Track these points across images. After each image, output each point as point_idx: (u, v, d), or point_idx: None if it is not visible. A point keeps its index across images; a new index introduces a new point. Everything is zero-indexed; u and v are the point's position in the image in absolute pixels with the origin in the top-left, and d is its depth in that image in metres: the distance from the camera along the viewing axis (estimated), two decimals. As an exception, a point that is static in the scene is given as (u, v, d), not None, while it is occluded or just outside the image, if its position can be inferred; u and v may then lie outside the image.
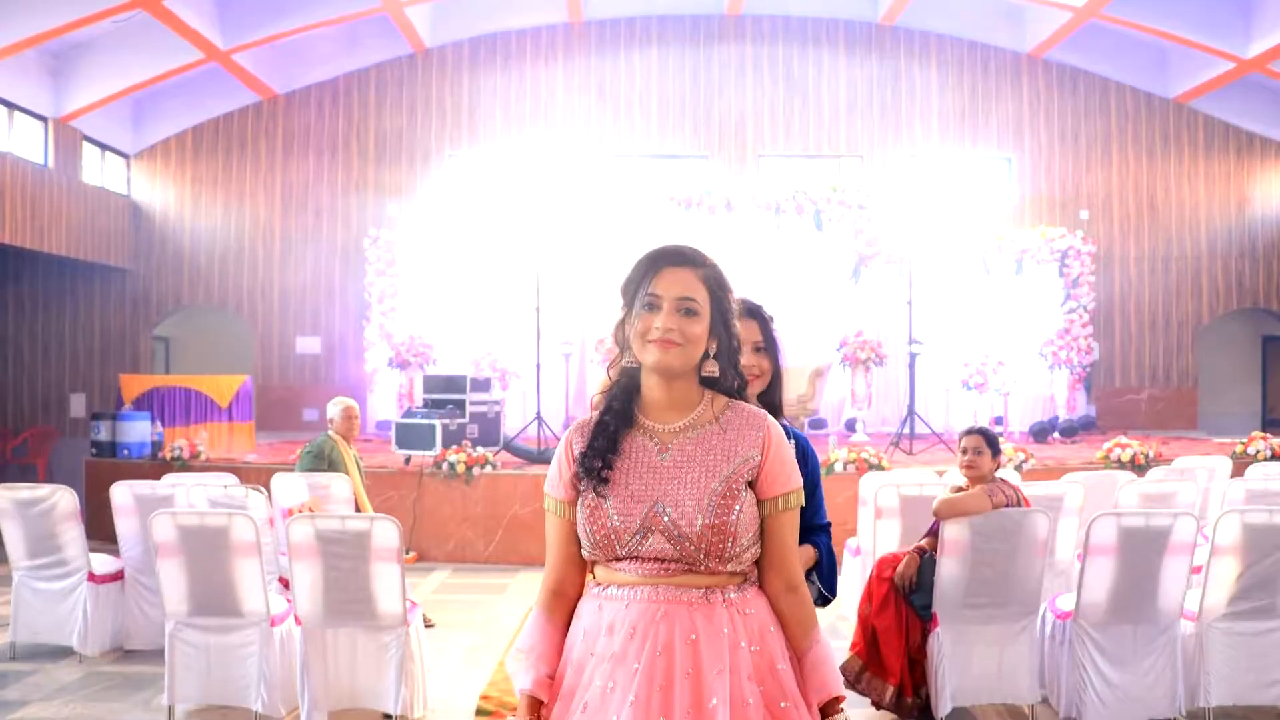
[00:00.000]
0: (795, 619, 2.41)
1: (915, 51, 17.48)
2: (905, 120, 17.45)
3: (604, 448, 2.39)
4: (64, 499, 7.03)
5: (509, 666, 2.36)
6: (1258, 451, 11.04)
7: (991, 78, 17.47)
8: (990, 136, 17.45)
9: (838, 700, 2.37)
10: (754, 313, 3.31)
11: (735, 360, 2.47)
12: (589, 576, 2.48)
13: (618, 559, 2.36)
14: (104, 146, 16.69)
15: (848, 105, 17.46)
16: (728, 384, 2.47)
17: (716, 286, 2.41)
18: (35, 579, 7.14)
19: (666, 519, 2.31)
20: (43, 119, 15.25)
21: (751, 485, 2.38)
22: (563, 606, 2.49)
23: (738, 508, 2.33)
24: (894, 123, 17.43)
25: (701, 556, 2.30)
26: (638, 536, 2.32)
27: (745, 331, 3.05)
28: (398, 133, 17.41)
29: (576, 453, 2.43)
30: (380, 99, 17.45)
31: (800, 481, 2.45)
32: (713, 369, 2.43)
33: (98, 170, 16.62)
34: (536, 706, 2.39)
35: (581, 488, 2.40)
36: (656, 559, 2.32)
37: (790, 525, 2.43)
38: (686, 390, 2.43)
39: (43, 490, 7.06)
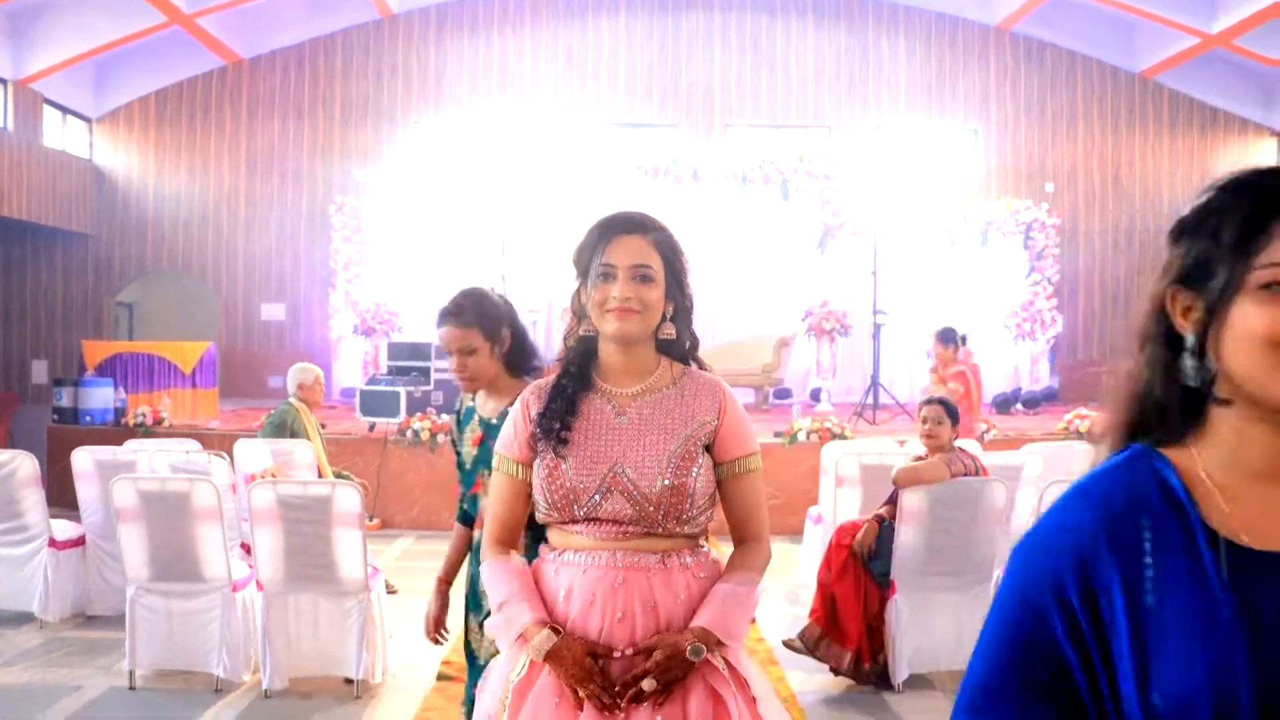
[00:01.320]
0: (738, 560, 2.45)
1: (884, 22, 17.48)
2: (873, 91, 17.46)
3: (562, 409, 2.41)
4: (24, 464, 6.98)
5: (489, 630, 2.31)
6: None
7: (959, 50, 17.50)
8: (957, 108, 17.50)
9: (705, 633, 2.28)
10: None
11: (690, 322, 2.51)
12: (542, 543, 2.50)
13: (574, 521, 2.37)
14: (65, 110, 16.49)
15: (815, 75, 17.45)
16: (683, 345, 2.51)
17: (669, 250, 2.44)
18: (2, 545, 7.12)
19: (626, 479, 2.33)
20: (2, 81, 15.04)
21: (708, 449, 2.42)
22: (512, 554, 2.49)
23: (695, 470, 2.36)
24: (861, 93, 17.45)
25: (660, 517, 2.33)
26: (596, 497, 2.34)
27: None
28: (364, 99, 17.29)
29: (534, 414, 2.46)
30: (347, 64, 17.31)
31: (757, 445, 2.49)
32: (669, 332, 2.46)
33: (59, 134, 16.43)
34: (555, 631, 2.29)
35: (540, 449, 2.42)
36: (614, 521, 2.34)
37: (750, 487, 2.46)
38: (644, 356, 2.46)
39: (2, 456, 7.01)
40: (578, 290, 2.46)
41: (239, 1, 15.28)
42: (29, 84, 15.26)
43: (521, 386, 2.85)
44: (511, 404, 2.80)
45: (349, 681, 5.60)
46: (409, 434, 10.53)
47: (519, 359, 3.47)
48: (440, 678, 5.80)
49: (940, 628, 5.71)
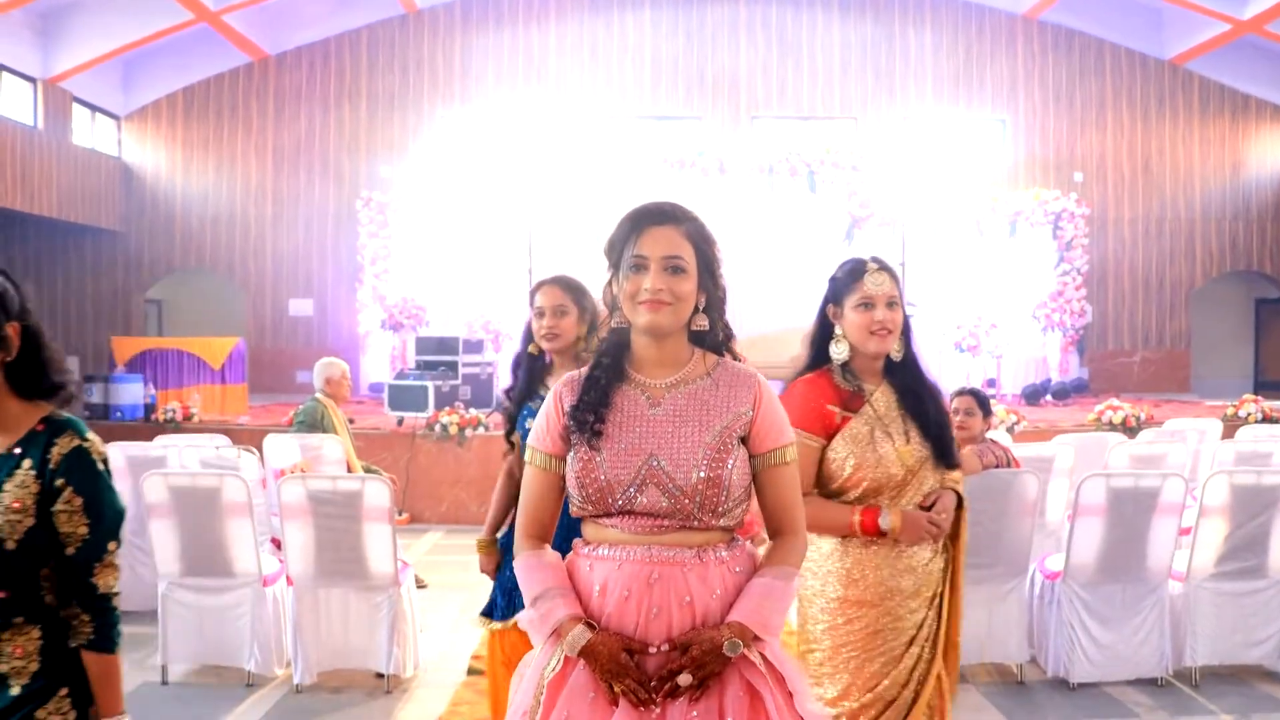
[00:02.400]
0: (775, 553, 2.43)
1: (909, 13, 17.37)
2: (899, 82, 17.37)
3: (595, 401, 2.39)
4: (56, 460, 6.99)
5: (522, 625, 2.28)
6: (1249, 414, 11.06)
7: (986, 39, 17.38)
8: (984, 98, 17.39)
9: (742, 627, 2.26)
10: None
11: (723, 312, 2.49)
12: (576, 538, 2.48)
13: (609, 514, 2.35)
14: (94, 108, 16.59)
15: (842, 66, 17.37)
16: (716, 336, 2.49)
17: (701, 241, 2.41)
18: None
19: (662, 472, 2.31)
20: (31, 80, 15.14)
21: (744, 441, 2.39)
22: (546, 548, 2.47)
23: (731, 461, 2.33)
24: (888, 84, 17.36)
25: (696, 510, 2.30)
26: (631, 490, 2.31)
27: None
28: (389, 94, 17.31)
29: (567, 406, 2.43)
30: (372, 60, 17.34)
31: (793, 437, 2.47)
32: (702, 323, 2.43)
33: (88, 132, 16.52)
34: (590, 627, 2.27)
35: (573, 441, 2.39)
36: (649, 514, 2.31)
37: (787, 478, 2.43)
38: (677, 347, 2.44)
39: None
40: (609, 282, 2.44)
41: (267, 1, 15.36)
42: (58, 82, 15.35)
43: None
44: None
45: (379, 676, 5.59)
46: (437, 428, 10.53)
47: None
48: (471, 672, 5.80)
49: (973, 621, 5.65)
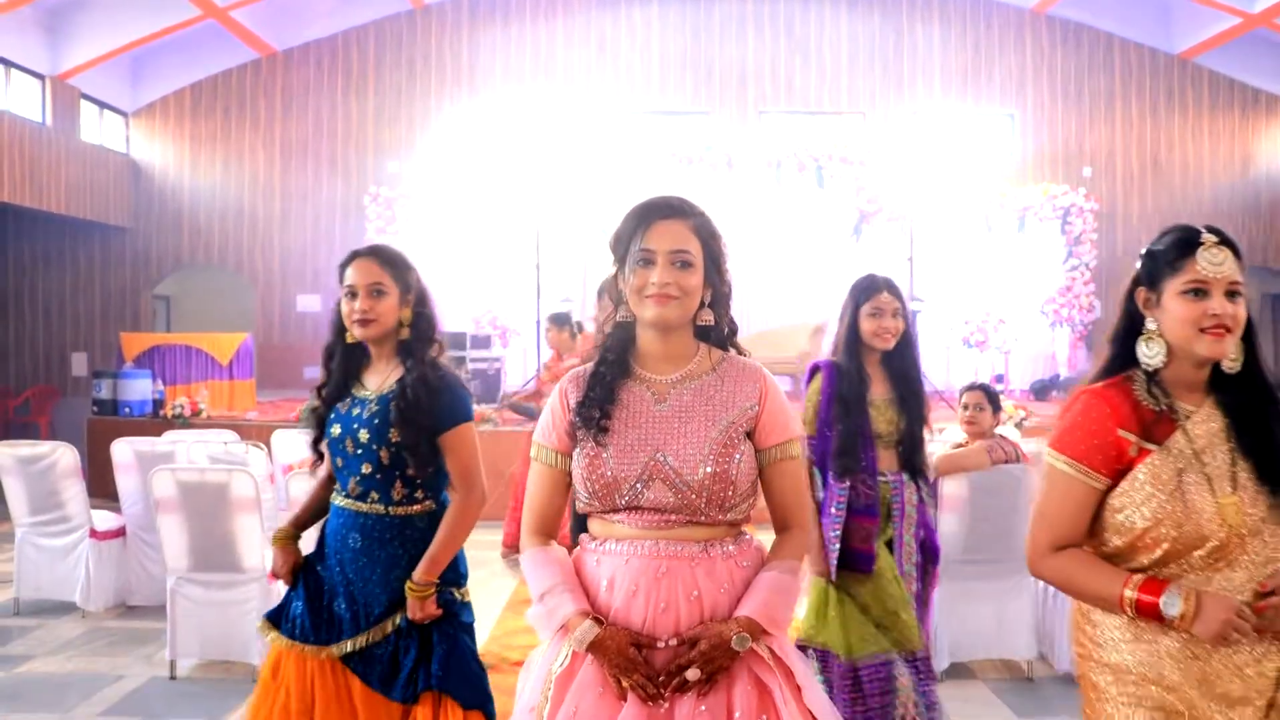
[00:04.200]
0: (782, 547, 2.43)
1: (918, 8, 17.33)
2: (907, 77, 17.32)
3: (601, 397, 2.39)
4: (65, 456, 7.03)
5: (529, 620, 2.26)
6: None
7: (995, 33, 17.32)
8: (993, 93, 17.33)
9: (750, 622, 2.26)
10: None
11: (729, 307, 2.49)
12: (583, 534, 2.48)
13: (615, 510, 2.35)
14: (102, 104, 16.60)
15: (850, 61, 17.33)
16: (721, 331, 2.49)
17: (708, 236, 2.41)
18: (38, 535, 7.15)
19: (668, 467, 2.31)
20: (40, 77, 15.16)
21: (750, 435, 2.39)
22: (553, 544, 2.48)
23: (738, 456, 2.33)
24: (896, 79, 17.30)
25: (703, 505, 2.30)
26: (638, 486, 2.31)
27: None
28: (397, 89, 17.31)
29: (572, 402, 2.43)
30: (379, 56, 17.34)
31: (798, 430, 2.46)
32: (708, 318, 2.43)
33: (96, 128, 16.54)
34: (597, 622, 2.27)
35: (579, 437, 2.39)
36: (656, 510, 2.32)
37: (792, 473, 2.43)
38: (683, 342, 2.44)
39: (44, 447, 7.07)
40: (614, 276, 2.43)
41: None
42: (66, 79, 15.36)
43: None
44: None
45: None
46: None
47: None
48: (501, 662, 5.80)
49: (981, 616, 5.66)
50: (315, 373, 3.50)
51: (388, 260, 3.38)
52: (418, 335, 3.37)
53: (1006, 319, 15.00)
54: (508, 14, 17.35)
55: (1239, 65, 17.08)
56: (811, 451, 4.16)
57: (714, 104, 17.25)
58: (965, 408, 5.78)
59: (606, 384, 2.40)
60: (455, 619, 3.34)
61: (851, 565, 4.08)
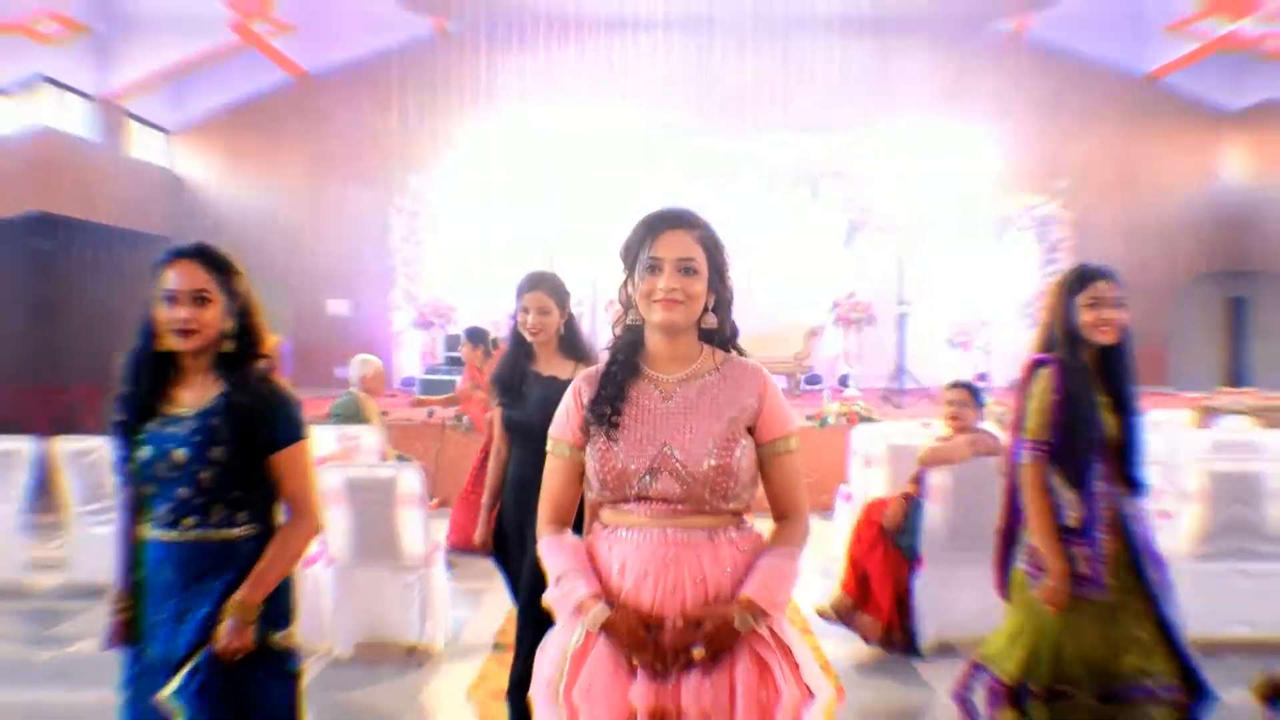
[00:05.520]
0: (780, 534, 2.45)
1: (905, 32, 17.34)
2: (896, 97, 17.28)
3: (612, 395, 2.42)
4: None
5: (546, 601, 2.26)
6: (1223, 405, 11.04)
7: (976, 56, 17.28)
8: (975, 111, 17.20)
9: (751, 603, 2.28)
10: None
11: (731, 311, 2.51)
12: (595, 521, 2.50)
13: (626, 500, 2.37)
14: (146, 123, 16.65)
15: (842, 82, 17.27)
16: (724, 334, 2.51)
17: (712, 245, 2.44)
18: (91, 523, 7.21)
19: (675, 460, 2.33)
20: (88, 97, 15.22)
21: (750, 431, 2.41)
22: (567, 531, 2.50)
23: (739, 450, 2.36)
24: (885, 99, 17.19)
25: (707, 495, 2.33)
26: (646, 478, 2.34)
27: None
28: (421, 109, 17.35)
29: (586, 399, 2.46)
30: (404, 77, 17.39)
31: (796, 427, 2.48)
32: (712, 321, 2.46)
33: (140, 146, 16.59)
34: (609, 604, 2.30)
35: (592, 432, 2.42)
36: (664, 499, 2.34)
37: (790, 466, 2.46)
38: (688, 344, 2.46)
39: (94, 441, 7.12)
40: (624, 282, 2.46)
41: (306, 22, 15.38)
42: (112, 99, 15.43)
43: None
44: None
45: (411, 650, 5.62)
46: (464, 420, 10.53)
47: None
48: (495, 647, 5.81)
49: (966, 599, 5.65)
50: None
51: (214, 264, 2.91)
52: (243, 349, 2.89)
53: (989, 321, 15.00)
54: (523, 38, 17.40)
55: (1202, 85, 17.07)
56: (1043, 456, 3.60)
57: (716, 122, 17.26)
58: (950, 404, 5.79)
59: (617, 382, 2.43)
60: (275, 665, 2.75)
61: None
